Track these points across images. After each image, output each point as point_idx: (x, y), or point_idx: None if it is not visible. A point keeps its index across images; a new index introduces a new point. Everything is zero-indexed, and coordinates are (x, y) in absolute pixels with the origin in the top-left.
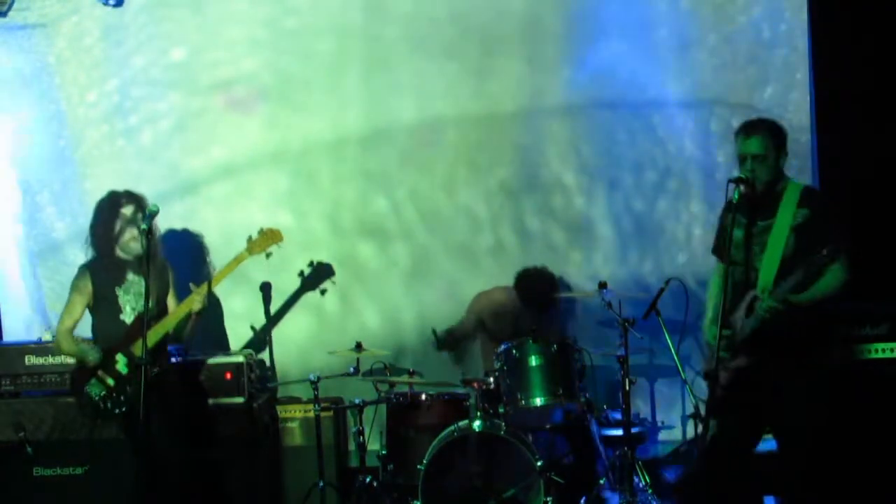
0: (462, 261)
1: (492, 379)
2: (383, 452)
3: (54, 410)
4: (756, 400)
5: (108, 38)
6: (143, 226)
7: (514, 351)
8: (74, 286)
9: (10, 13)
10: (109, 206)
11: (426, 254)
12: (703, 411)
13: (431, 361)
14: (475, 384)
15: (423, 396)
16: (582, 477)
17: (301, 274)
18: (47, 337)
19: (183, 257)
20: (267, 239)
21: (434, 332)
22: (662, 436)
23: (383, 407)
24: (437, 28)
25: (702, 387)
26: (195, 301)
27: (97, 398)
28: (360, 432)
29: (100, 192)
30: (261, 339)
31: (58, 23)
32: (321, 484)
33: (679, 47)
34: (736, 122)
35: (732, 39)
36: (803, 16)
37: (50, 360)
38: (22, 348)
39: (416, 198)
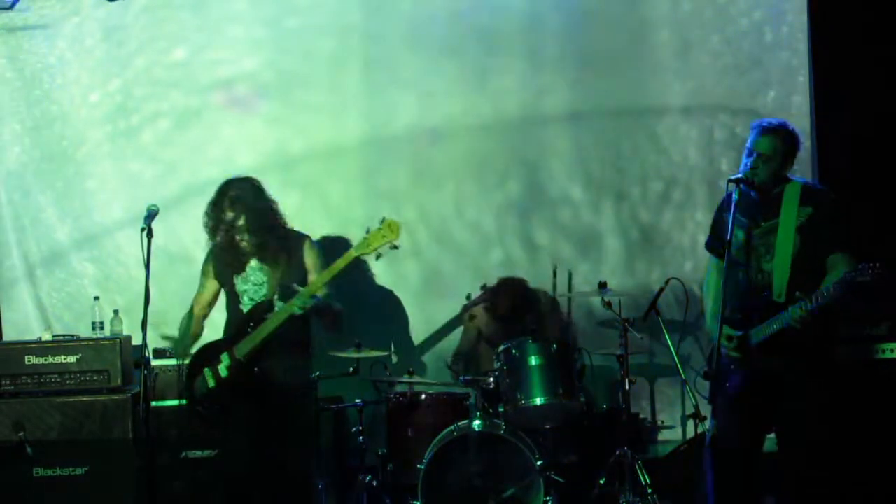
0: (472, 276)
1: (491, 378)
2: (383, 452)
3: (54, 410)
4: (760, 401)
5: (109, 39)
6: (142, 226)
7: (513, 350)
8: (202, 270)
9: (10, 14)
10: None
11: (436, 270)
12: (703, 411)
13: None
14: (475, 384)
15: (423, 396)
16: (582, 476)
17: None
18: (47, 336)
19: None
20: (381, 236)
21: (448, 366)
22: (662, 436)
23: (383, 406)
24: (439, 27)
25: (702, 386)
26: (294, 305)
27: (199, 395)
28: (360, 432)
29: (101, 192)
30: None
31: (59, 24)
32: (321, 483)
33: (681, 50)
34: (739, 130)
35: (735, 42)
36: (804, 18)
37: (50, 359)
38: (22, 348)
39: (424, 214)
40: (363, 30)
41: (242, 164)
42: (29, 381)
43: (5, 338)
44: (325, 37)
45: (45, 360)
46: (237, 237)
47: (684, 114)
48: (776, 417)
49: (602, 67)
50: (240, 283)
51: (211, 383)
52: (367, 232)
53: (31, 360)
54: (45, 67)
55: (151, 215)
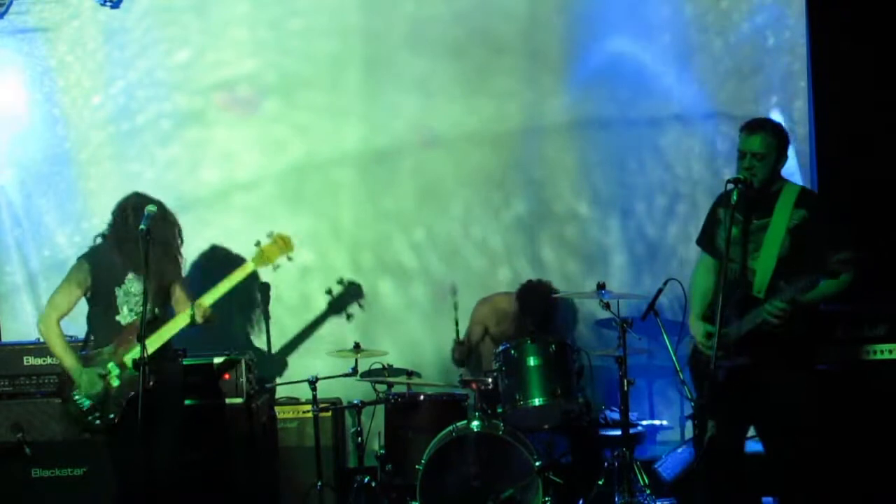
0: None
1: (490, 379)
2: (382, 452)
3: (53, 411)
4: (746, 399)
5: (110, 42)
6: (143, 226)
7: (512, 351)
8: (71, 278)
9: (9, 15)
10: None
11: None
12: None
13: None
14: (474, 385)
15: (422, 397)
16: (580, 477)
17: (329, 292)
18: None
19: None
20: (277, 249)
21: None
22: (661, 436)
23: (382, 407)
24: (440, 29)
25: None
26: (196, 315)
27: (86, 408)
28: (359, 433)
29: (103, 194)
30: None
31: (58, 27)
32: (319, 484)
33: (683, 54)
34: None
35: (736, 47)
36: (805, 22)
37: (49, 360)
38: (21, 349)
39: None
40: (364, 31)
41: (245, 166)
42: (27, 381)
43: None
44: (326, 38)
45: (44, 360)
46: (124, 247)
47: (687, 120)
48: (756, 415)
49: (603, 71)
50: (121, 295)
51: (100, 391)
52: (258, 244)
53: (29, 360)
54: (46, 70)
55: (150, 216)
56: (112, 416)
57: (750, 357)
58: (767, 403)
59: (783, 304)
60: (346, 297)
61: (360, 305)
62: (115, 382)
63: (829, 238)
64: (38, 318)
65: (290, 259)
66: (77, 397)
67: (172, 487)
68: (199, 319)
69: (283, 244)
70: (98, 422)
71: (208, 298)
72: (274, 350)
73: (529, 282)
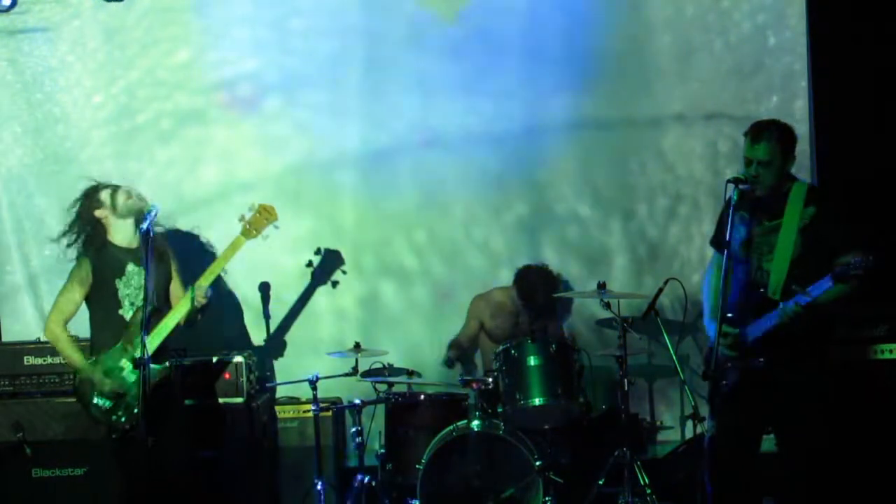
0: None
1: (490, 379)
2: (382, 452)
3: (53, 411)
4: (761, 400)
5: (111, 41)
6: (143, 226)
7: (512, 351)
8: (73, 277)
9: (10, 16)
10: (95, 195)
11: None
12: (701, 411)
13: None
14: (474, 384)
15: (422, 396)
16: (581, 477)
17: (309, 265)
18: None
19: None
20: (262, 219)
21: (447, 353)
22: (661, 436)
23: (382, 407)
24: (440, 28)
25: (700, 387)
26: (197, 297)
27: (107, 409)
28: (359, 432)
29: None
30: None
31: (59, 27)
32: (319, 484)
33: (684, 54)
34: (743, 141)
35: (737, 47)
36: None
37: (49, 360)
38: (21, 349)
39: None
40: (365, 31)
41: (245, 166)
42: (28, 381)
43: None
44: (327, 38)
45: (44, 360)
46: (113, 237)
47: (688, 120)
48: (772, 417)
49: (604, 71)
50: (122, 287)
51: (116, 383)
52: (243, 219)
53: (29, 360)
54: (47, 70)
55: (150, 216)
56: (136, 410)
57: (765, 358)
58: (784, 403)
59: (796, 307)
60: (327, 265)
61: (343, 272)
62: (132, 377)
63: (835, 236)
64: (45, 324)
65: (276, 227)
66: (97, 399)
67: (179, 486)
68: (201, 300)
69: (268, 213)
70: (123, 419)
71: (205, 279)
72: (273, 344)
73: (527, 266)
